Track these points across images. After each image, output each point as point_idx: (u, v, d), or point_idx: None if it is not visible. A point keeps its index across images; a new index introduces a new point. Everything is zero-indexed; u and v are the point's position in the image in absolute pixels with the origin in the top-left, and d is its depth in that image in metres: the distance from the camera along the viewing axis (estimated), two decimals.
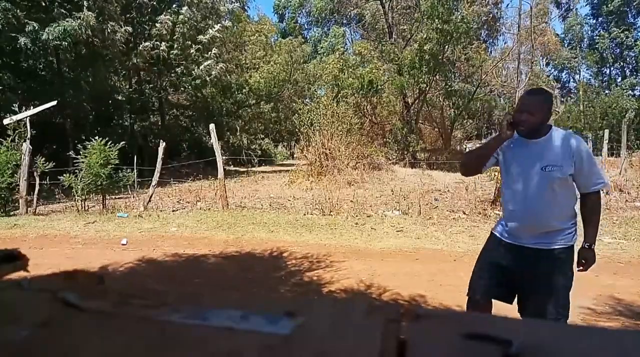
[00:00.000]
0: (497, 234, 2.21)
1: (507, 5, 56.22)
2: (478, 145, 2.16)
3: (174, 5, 17.48)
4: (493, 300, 2.27)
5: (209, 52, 17.81)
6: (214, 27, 17.83)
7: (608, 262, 4.79)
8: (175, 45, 16.98)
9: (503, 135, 2.04)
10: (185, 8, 16.95)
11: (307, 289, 4.05)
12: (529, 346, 0.36)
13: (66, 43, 13.26)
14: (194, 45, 17.46)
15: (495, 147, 2.13)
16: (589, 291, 3.78)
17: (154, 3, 17.88)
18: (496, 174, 8.05)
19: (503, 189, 2.23)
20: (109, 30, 14.64)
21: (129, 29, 16.23)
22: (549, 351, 0.37)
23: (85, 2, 13.65)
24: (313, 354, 0.36)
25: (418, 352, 0.37)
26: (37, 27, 12.58)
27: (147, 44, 16.72)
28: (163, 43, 16.82)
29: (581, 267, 2.12)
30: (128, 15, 17.61)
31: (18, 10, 12.42)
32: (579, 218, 2.14)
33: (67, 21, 12.92)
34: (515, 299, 2.21)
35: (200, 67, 17.53)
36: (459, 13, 16.01)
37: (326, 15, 34.69)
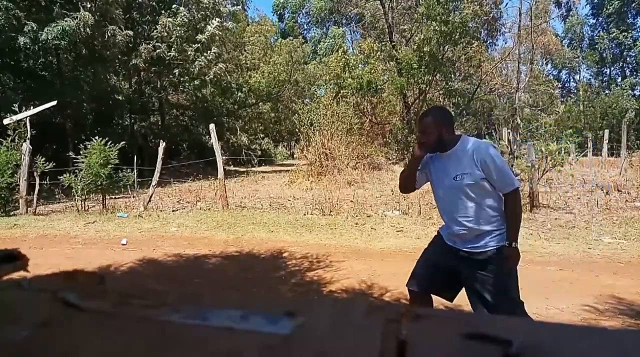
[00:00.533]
0: (442, 234, 2.37)
1: (506, 4, 56.19)
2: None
3: (173, 6, 17.46)
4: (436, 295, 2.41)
5: (209, 52, 17.79)
6: (213, 24, 17.80)
7: (608, 262, 4.79)
8: (175, 46, 16.97)
9: (415, 155, 2.29)
10: (182, 9, 16.94)
11: (307, 289, 4.05)
12: (529, 346, 0.36)
13: (65, 42, 13.25)
14: (193, 45, 17.45)
15: (414, 166, 2.34)
16: (589, 291, 3.78)
17: (154, 4, 17.89)
18: None
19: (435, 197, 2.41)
20: (109, 34, 14.64)
21: (130, 32, 16.22)
22: (549, 351, 0.37)
23: (86, 3, 13.66)
24: (313, 354, 0.36)
25: (418, 352, 0.37)
26: (35, 28, 12.58)
27: (147, 45, 16.72)
28: (164, 44, 16.81)
29: (505, 266, 2.17)
30: (128, 16, 17.61)
31: (18, 11, 12.42)
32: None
33: (65, 21, 12.91)
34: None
35: (200, 67, 17.52)
36: (457, 13, 16.00)
37: (326, 15, 34.68)
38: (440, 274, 2.32)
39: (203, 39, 17.60)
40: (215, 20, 18.05)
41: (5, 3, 11.91)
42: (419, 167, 2.35)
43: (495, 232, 2.17)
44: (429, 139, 2.21)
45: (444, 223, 2.37)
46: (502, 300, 2.14)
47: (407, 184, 2.44)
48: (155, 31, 16.76)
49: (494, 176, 2.13)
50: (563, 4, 38.34)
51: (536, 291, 3.85)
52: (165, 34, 16.56)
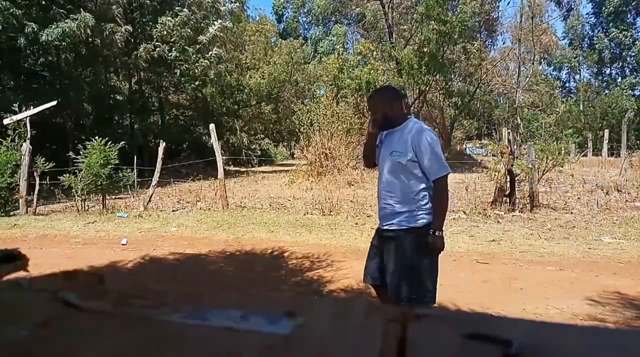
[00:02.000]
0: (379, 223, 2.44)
1: (508, 3, 56.08)
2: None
3: (175, 9, 17.46)
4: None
5: (209, 53, 17.80)
6: (214, 26, 17.80)
7: (608, 262, 4.79)
8: (176, 46, 16.97)
9: (370, 130, 2.41)
10: (185, 10, 16.94)
11: (307, 289, 4.05)
12: (529, 346, 0.36)
13: (65, 44, 13.25)
14: (194, 46, 17.45)
15: (370, 142, 2.46)
16: (589, 291, 3.78)
17: (155, 4, 17.88)
18: (496, 174, 8.05)
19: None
20: (107, 32, 14.63)
21: (129, 28, 16.21)
22: (549, 351, 0.37)
23: (87, 3, 13.66)
24: (313, 354, 0.36)
25: (418, 352, 0.37)
26: (35, 29, 12.58)
27: (148, 45, 16.71)
28: (164, 44, 16.80)
29: (429, 251, 2.27)
30: (129, 16, 17.60)
31: (18, 11, 12.41)
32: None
33: (65, 22, 12.91)
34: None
35: (200, 68, 17.51)
36: (456, 12, 16.00)
37: (328, 14, 34.68)
38: (375, 261, 2.39)
39: (204, 40, 17.60)
40: (217, 22, 18.05)
41: (5, 3, 11.91)
42: (377, 143, 2.44)
43: (413, 213, 2.23)
44: (377, 116, 2.34)
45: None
46: (409, 283, 2.22)
47: (368, 159, 2.54)
48: (155, 31, 16.74)
49: (425, 161, 2.21)
50: (564, 4, 38.35)
51: (536, 291, 3.85)
52: (166, 33, 16.55)
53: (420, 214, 2.23)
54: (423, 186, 2.25)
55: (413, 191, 2.24)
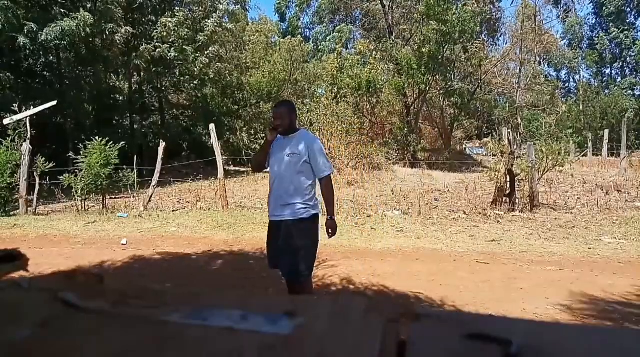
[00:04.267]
0: (269, 213, 2.88)
1: (512, 2, 55.86)
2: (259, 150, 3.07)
3: (175, 9, 17.45)
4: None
5: (208, 51, 17.78)
6: (213, 22, 17.78)
7: (608, 262, 4.79)
8: (176, 46, 16.97)
9: (270, 138, 2.82)
10: (183, 10, 16.93)
11: None
12: (529, 346, 0.36)
13: (65, 43, 13.25)
14: (193, 45, 17.44)
15: (267, 147, 2.87)
16: (589, 291, 3.78)
17: (155, 4, 17.88)
18: (496, 174, 8.05)
19: (269, 176, 2.88)
20: (107, 32, 14.63)
21: (129, 29, 16.20)
22: (549, 351, 0.37)
23: (87, 3, 13.65)
24: (313, 354, 0.36)
25: (418, 352, 0.37)
26: (35, 28, 12.58)
27: (148, 45, 16.71)
28: (164, 45, 16.80)
29: (329, 235, 2.95)
30: (129, 16, 17.59)
31: (18, 10, 12.42)
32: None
33: (65, 21, 12.90)
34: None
35: (201, 67, 17.51)
36: (456, 12, 15.99)
37: (331, 12, 34.67)
38: (271, 249, 2.87)
39: (203, 38, 17.59)
40: (214, 15, 18.01)
41: (5, 2, 11.91)
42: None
43: (298, 205, 2.74)
44: (284, 124, 2.78)
45: (268, 201, 2.88)
46: (296, 261, 2.72)
47: (260, 164, 2.97)
48: (155, 32, 16.74)
49: (315, 163, 2.78)
50: (562, 4, 38.36)
51: (536, 291, 3.85)
52: (166, 34, 16.54)
53: (305, 207, 2.77)
54: (311, 183, 2.82)
55: (303, 187, 2.77)
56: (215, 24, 17.79)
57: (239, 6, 22.20)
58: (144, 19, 18.32)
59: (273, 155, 2.85)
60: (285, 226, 2.74)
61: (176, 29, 16.52)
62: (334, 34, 37.27)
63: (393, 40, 18.31)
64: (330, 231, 2.92)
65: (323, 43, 38.43)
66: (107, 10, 14.79)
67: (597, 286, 3.94)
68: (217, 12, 18.69)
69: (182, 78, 18.31)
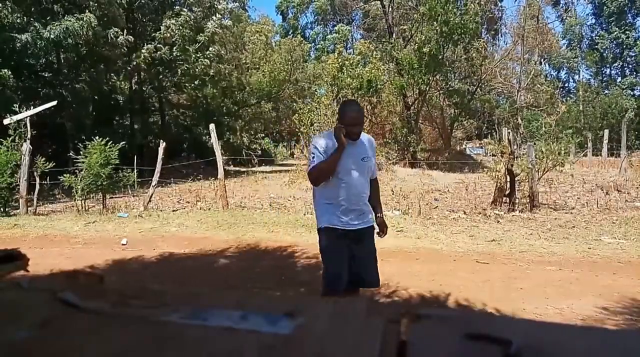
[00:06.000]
0: (333, 225, 2.53)
1: (516, 0, 55.66)
2: (323, 160, 2.49)
3: (176, 8, 17.45)
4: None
5: (208, 51, 17.78)
6: (213, 23, 17.78)
7: (608, 262, 4.79)
8: (177, 47, 16.97)
9: (344, 145, 2.45)
10: (185, 10, 16.94)
11: (308, 289, 4.05)
12: (529, 346, 0.36)
13: (67, 43, 13.26)
14: (194, 45, 17.44)
15: (341, 154, 2.48)
16: (589, 291, 3.78)
17: (156, 4, 17.87)
18: (497, 174, 8.05)
19: (334, 182, 2.52)
20: (111, 36, 14.63)
21: (131, 37, 16.20)
22: (548, 351, 0.37)
23: (88, 1, 13.66)
24: (313, 354, 0.36)
25: (418, 352, 0.37)
26: (38, 27, 12.59)
27: (149, 45, 16.70)
28: (166, 45, 16.80)
29: (381, 233, 2.78)
30: (130, 16, 17.59)
31: (21, 9, 12.44)
32: None
33: (69, 21, 12.92)
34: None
35: (202, 67, 17.51)
36: (458, 12, 15.98)
37: (330, 13, 34.70)
38: (347, 265, 2.55)
39: (203, 39, 17.59)
40: (214, 16, 18.03)
41: (9, 3, 11.94)
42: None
43: (369, 210, 2.65)
44: (360, 130, 2.52)
45: (335, 210, 2.53)
46: (376, 268, 2.65)
47: (330, 174, 2.51)
48: (158, 33, 16.74)
49: (374, 164, 2.71)
50: (562, 5, 38.35)
51: (536, 291, 3.85)
52: (169, 35, 16.54)
53: (370, 210, 2.66)
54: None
55: (368, 190, 2.65)
56: (216, 26, 17.80)
57: (237, 4, 22.18)
58: (144, 19, 18.32)
59: (345, 163, 2.50)
60: (365, 233, 2.59)
61: (181, 28, 16.52)
62: (333, 34, 37.29)
63: (394, 40, 18.31)
64: (384, 230, 2.78)
65: (322, 43, 38.44)
66: (108, 10, 14.79)
67: (597, 286, 3.94)
68: (217, 12, 18.69)
69: (182, 78, 18.31)
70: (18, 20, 12.27)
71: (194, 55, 17.25)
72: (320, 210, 2.60)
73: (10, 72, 12.75)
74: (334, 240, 2.54)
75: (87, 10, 13.42)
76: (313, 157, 2.49)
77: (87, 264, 4.72)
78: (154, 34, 17.13)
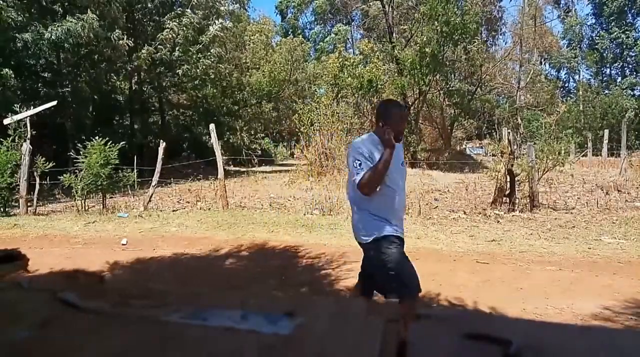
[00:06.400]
0: (393, 233, 2.36)
1: (511, 0, 55.64)
2: (372, 166, 2.23)
3: (177, 9, 17.43)
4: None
5: (208, 53, 17.79)
6: (215, 26, 17.80)
7: (608, 262, 4.79)
8: (178, 48, 16.96)
9: (394, 146, 2.25)
10: (188, 11, 16.95)
11: (308, 289, 4.05)
12: (529, 346, 0.36)
13: (68, 45, 13.26)
14: (195, 46, 17.44)
15: (391, 159, 2.25)
16: (589, 291, 3.78)
17: (157, 4, 17.87)
18: (497, 174, 8.05)
19: (383, 190, 2.29)
20: (114, 38, 14.64)
21: (131, 40, 16.20)
22: (548, 351, 0.37)
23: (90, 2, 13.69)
24: (313, 354, 0.36)
25: (418, 352, 0.37)
26: (39, 27, 12.60)
27: (150, 47, 16.70)
28: (166, 47, 16.79)
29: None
30: (130, 16, 17.59)
31: (23, 9, 12.45)
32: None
33: (70, 22, 12.92)
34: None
35: (203, 68, 17.52)
36: (459, 13, 15.98)
37: (329, 13, 34.74)
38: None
39: (205, 40, 17.59)
40: (217, 21, 18.04)
41: (12, 3, 11.96)
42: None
43: None
44: (403, 132, 2.38)
45: (389, 218, 2.36)
46: None
47: (380, 182, 2.27)
48: (160, 34, 16.73)
49: None
50: (562, 5, 38.37)
51: (536, 291, 3.85)
52: (171, 37, 16.54)
53: None
54: None
55: None
56: (218, 29, 17.80)
57: (238, 5, 22.19)
58: (144, 20, 18.31)
59: (391, 169, 2.30)
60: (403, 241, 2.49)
61: (184, 29, 16.51)
62: (332, 35, 37.31)
63: (395, 40, 18.32)
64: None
65: (321, 43, 38.47)
66: (108, 10, 14.79)
67: (597, 286, 3.94)
68: (220, 14, 18.71)
69: (183, 78, 18.31)
70: (20, 18, 12.28)
71: (195, 56, 17.25)
72: (373, 219, 2.37)
73: (11, 72, 12.75)
74: (399, 246, 2.38)
75: (87, 11, 13.41)
76: (360, 165, 2.22)
77: (87, 264, 4.72)
78: (155, 35, 17.12)
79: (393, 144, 2.22)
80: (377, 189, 2.26)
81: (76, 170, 8.66)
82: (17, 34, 12.46)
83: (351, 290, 3.95)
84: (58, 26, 12.73)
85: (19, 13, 12.29)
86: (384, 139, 2.23)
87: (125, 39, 15.24)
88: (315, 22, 41.77)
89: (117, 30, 14.79)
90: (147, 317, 0.43)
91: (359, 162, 2.23)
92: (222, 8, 19.02)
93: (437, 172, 14.57)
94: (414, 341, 0.38)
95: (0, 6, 11.76)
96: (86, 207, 8.72)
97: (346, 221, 7.30)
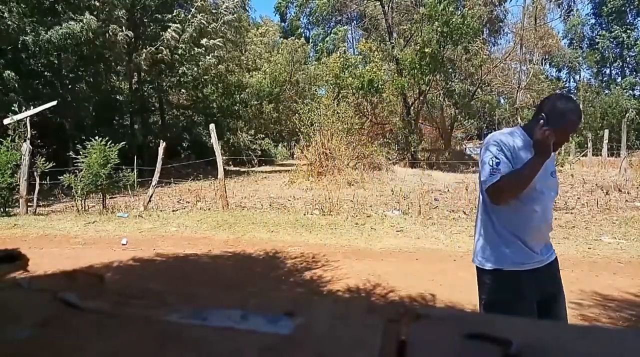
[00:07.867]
0: (513, 268, 1.88)
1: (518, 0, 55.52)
2: (515, 170, 1.72)
3: (179, 10, 17.46)
4: None
5: (210, 54, 17.81)
6: (216, 27, 17.84)
7: (608, 262, 4.79)
8: (181, 49, 16.99)
9: (547, 156, 1.70)
10: (193, 10, 16.99)
11: (308, 289, 4.05)
12: (529, 346, 0.36)
13: (68, 45, 13.28)
14: (196, 48, 17.47)
15: (539, 170, 1.71)
16: (589, 291, 3.78)
17: (157, 3, 17.89)
18: None
19: (521, 206, 1.80)
20: (110, 33, 14.66)
21: (131, 33, 16.21)
22: (549, 351, 0.37)
23: (91, 2, 13.70)
24: (313, 354, 0.36)
25: (418, 352, 0.37)
26: (39, 28, 12.61)
27: (151, 48, 16.71)
28: (167, 48, 16.81)
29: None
30: (132, 17, 17.60)
31: (24, 11, 12.46)
32: None
33: (70, 24, 12.94)
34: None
35: (204, 69, 17.54)
36: (459, 13, 15.99)
37: (328, 14, 34.77)
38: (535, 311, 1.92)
39: (208, 43, 17.62)
40: (219, 22, 18.08)
41: (14, 5, 11.97)
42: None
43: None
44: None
45: (514, 242, 1.87)
46: (565, 304, 2.01)
47: (520, 192, 1.76)
48: (162, 35, 16.75)
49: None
50: (564, 4, 38.36)
51: None
52: (175, 39, 16.56)
53: None
54: None
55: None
56: (220, 31, 17.84)
57: (240, 7, 22.24)
58: (145, 20, 18.33)
59: (538, 180, 1.74)
60: (554, 266, 2.01)
61: (188, 29, 16.54)
62: (331, 35, 37.35)
63: (395, 40, 18.33)
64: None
65: (320, 44, 38.51)
66: (110, 12, 14.81)
67: (597, 286, 3.94)
68: (222, 17, 18.74)
69: (183, 78, 18.33)
70: (20, 23, 12.30)
71: (196, 57, 17.28)
72: (494, 241, 1.92)
73: (14, 74, 12.77)
74: (518, 287, 1.87)
75: (87, 12, 13.42)
76: (497, 163, 1.70)
77: (87, 264, 4.73)
78: (156, 35, 17.13)
79: (550, 152, 1.68)
80: (512, 202, 1.77)
81: (76, 170, 8.67)
82: (18, 35, 12.47)
83: (351, 290, 3.95)
84: (58, 29, 12.74)
85: (21, 16, 12.31)
86: (539, 143, 1.66)
87: (124, 33, 15.27)
88: (315, 23, 41.81)
89: (118, 31, 14.81)
90: (147, 317, 0.43)
91: (498, 161, 1.71)
92: (224, 11, 19.04)
93: (437, 172, 14.57)
94: (414, 341, 0.38)
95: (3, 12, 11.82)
96: (86, 207, 8.72)
97: (345, 221, 7.30)
